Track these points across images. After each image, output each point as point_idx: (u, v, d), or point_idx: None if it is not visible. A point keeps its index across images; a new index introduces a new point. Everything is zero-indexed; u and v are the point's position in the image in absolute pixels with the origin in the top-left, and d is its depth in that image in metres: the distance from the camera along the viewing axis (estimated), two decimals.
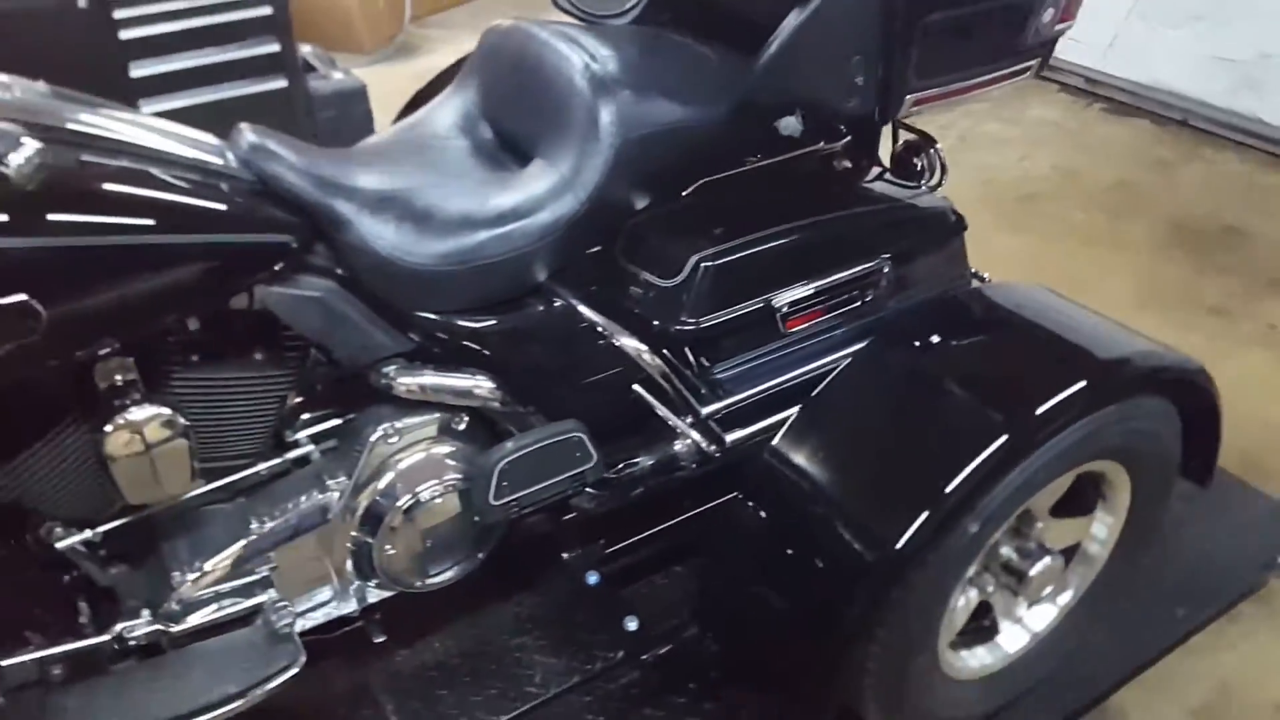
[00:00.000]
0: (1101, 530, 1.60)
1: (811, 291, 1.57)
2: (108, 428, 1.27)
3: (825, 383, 1.48)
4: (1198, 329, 2.80)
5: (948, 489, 1.28)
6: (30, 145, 1.09)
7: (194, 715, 1.36)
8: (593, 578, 1.68)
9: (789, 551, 1.40)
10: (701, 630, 1.62)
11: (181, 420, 1.31)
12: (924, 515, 1.28)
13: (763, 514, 1.44)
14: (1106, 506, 1.58)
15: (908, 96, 1.57)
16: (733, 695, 1.63)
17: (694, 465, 1.62)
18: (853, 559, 1.33)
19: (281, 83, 2.87)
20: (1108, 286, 2.94)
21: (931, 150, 1.77)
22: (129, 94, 2.50)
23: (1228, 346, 2.73)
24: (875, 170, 1.80)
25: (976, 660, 1.61)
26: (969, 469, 1.28)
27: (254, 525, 1.45)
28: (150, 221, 1.23)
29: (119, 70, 2.57)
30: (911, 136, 1.81)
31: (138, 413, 1.27)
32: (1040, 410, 1.32)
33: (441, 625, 1.80)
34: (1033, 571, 1.52)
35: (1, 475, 1.26)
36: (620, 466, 1.62)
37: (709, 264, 1.47)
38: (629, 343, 1.50)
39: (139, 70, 2.61)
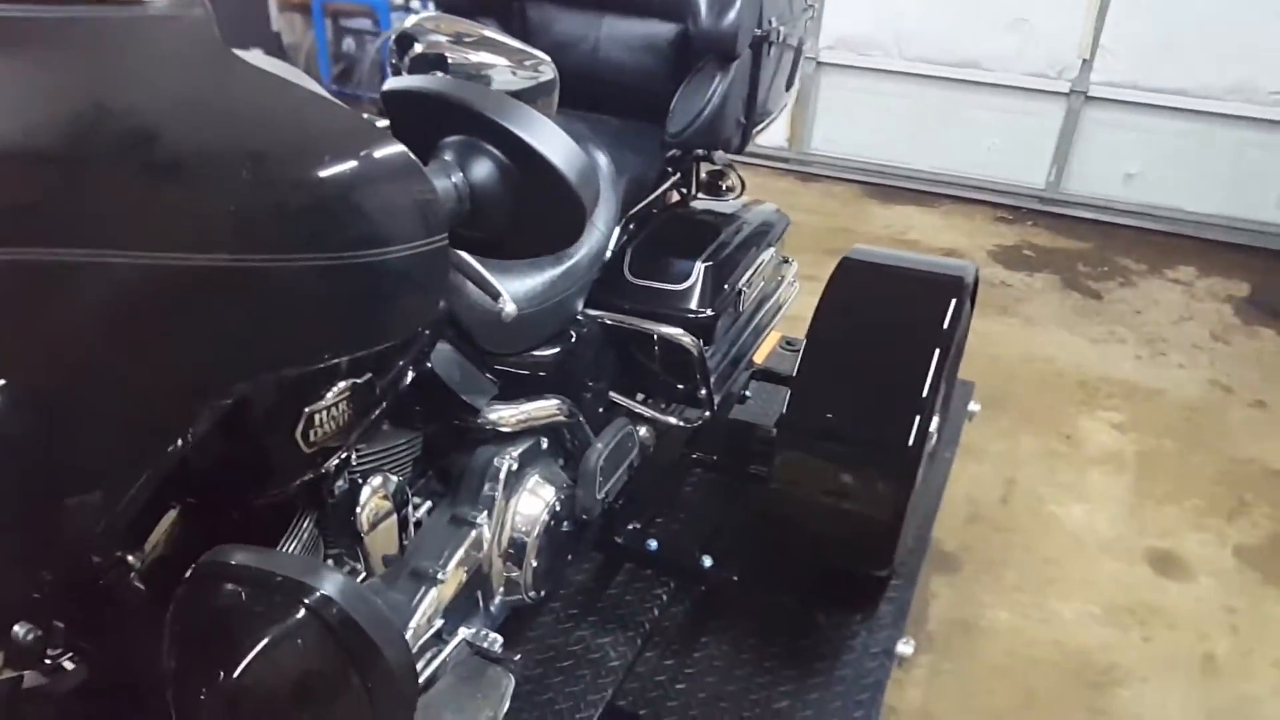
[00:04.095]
0: None
1: (753, 272, 2.09)
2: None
3: (803, 354, 1.93)
4: None
5: (923, 394, 1.84)
6: None
7: None
8: (653, 545, 2.02)
9: (840, 467, 1.88)
10: (766, 551, 2.04)
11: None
12: (917, 417, 1.82)
13: (805, 452, 1.91)
14: None
15: (753, 129, 2.19)
16: (808, 584, 2.07)
17: (697, 425, 2.03)
18: (887, 459, 1.85)
19: None
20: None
21: (732, 172, 2.38)
22: None
23: None
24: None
25: None
26: (929, 378, 1.84)
27: (438, 575, 1.49)
28: None
29: None
30: (715, 166, 2.40)
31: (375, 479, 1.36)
32: (944, 325, 1.92)
33: (538, 626, 1.99)
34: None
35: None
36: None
37: (709, 265, 1.91)
38: (668, 331, 1.85)
39: None
